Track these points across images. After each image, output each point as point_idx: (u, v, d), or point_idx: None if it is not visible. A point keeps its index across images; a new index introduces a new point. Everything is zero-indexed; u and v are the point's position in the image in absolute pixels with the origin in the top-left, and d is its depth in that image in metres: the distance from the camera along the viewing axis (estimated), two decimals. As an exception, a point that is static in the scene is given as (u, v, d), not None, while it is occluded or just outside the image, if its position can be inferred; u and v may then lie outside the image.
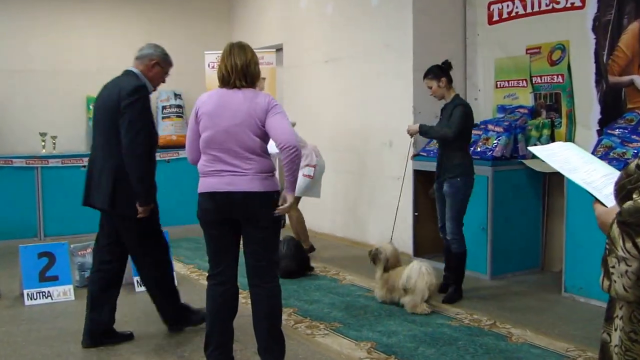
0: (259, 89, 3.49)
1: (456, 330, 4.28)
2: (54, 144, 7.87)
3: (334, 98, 7.41)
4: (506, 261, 5.58)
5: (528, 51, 5.89)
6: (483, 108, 6.37)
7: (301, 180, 6.01)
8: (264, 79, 8.13)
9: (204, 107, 3.38)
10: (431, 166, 5.33)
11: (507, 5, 6.04)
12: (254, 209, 3.33)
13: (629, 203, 1.15)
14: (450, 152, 4.90)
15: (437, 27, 6.37)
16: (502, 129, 5.67)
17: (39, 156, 7.48)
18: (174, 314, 4.29)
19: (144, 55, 4.01)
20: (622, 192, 1.22)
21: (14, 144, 7.93)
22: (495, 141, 5.59)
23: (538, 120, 5.76)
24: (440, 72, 4.90)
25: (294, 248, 5.82)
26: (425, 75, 5.00)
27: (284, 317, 4.58)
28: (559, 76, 5.64)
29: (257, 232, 3.39)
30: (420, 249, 6.18)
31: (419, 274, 4.61)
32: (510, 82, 6.11)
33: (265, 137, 3.35)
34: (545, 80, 5.77)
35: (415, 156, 6.15)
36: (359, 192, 7.04)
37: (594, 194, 1.39)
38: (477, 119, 6.25)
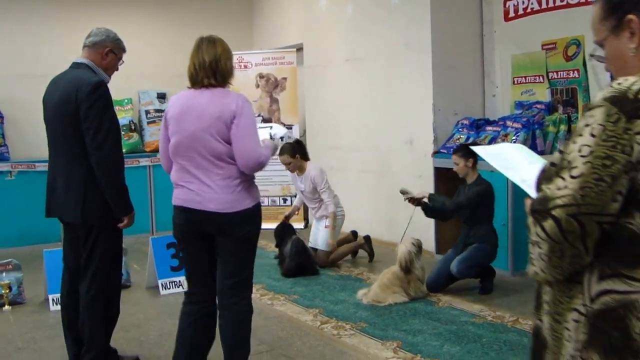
0: (231, 88, 3.14)
1: (480, 328, 4.26)
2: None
3: (355, 97, 7.38)
4: (527, 257, 5.53)
5: (544, 47, 5.86)
6: (501, 105, 6.36)
7: (325, 232, 6.06)
8: (284, 78, 8.27)
9: (171, 110, 3.08)
10: (451, 163, 5.31)
11: (523, 2, 6.01)
12: (227, 227, 3.02)
13: (538, 194, 1.32)
14: (477, 224, 5.07)
15: (455, 25, 6.36)
16: (520, 125, 5.64)
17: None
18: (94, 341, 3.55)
19: (95, 42, 3.55)
20: (539, 186, 1.40)
21: (36, 148, 7.92)
22: (514, 137, 5.57)
23: (555, 116, 5.73)
24: (469, 153, 4.96)
25: (298, 248, 5.81)
26: (455, 152, 5.13)
27: (309, 317, 4.62)
28: (575, 71, 5.61)
29: (231, 245, 3.08)
30: (442, 246, 6.16)
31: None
32: (527, 78, 6.09)
33: None
34: (562, 76, 5.74)
35: (436, 154, 6.16)
36: (381, 191, 7.03)
37: (527, 191, 1.52)
38: (495, 115, 6.27)
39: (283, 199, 8.23)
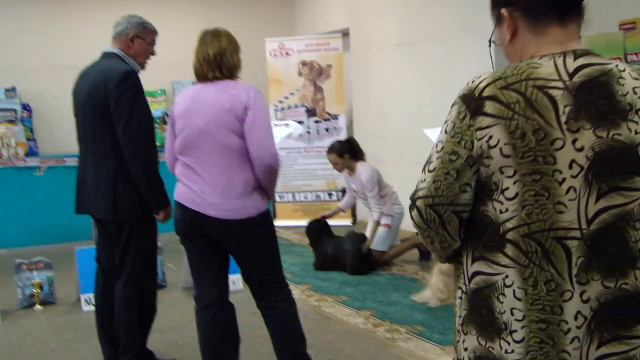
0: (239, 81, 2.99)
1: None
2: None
3: (406, 84, 6.96)
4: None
5: (621, 27, 5.36)
6: None
7: (380, 231, 5.61)
8: (329, 66, 7.86)
9: (177, 107, 2.93)
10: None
11: (597, -22, 5.52)
12: (228, 235, 2.87)
13: None
14: None
15: (521, 4, 5.90)
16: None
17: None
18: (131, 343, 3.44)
19: (119, 32, 3.39)
20: None
21: (65, 142, 7.75)
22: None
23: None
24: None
25: (357, 242, 5.45)
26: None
27: (360, 320, 4.27)
28: (657, 52, 5.11)
29: (244, 252, 2.93)
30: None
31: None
32: (602, 61, 5.61)
33: None
34: (643, 58, 5.23)
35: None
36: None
37: None
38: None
39: (328, 193, 7.82)
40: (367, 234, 5.61)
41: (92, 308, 4.73)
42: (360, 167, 5.65)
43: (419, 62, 6.78)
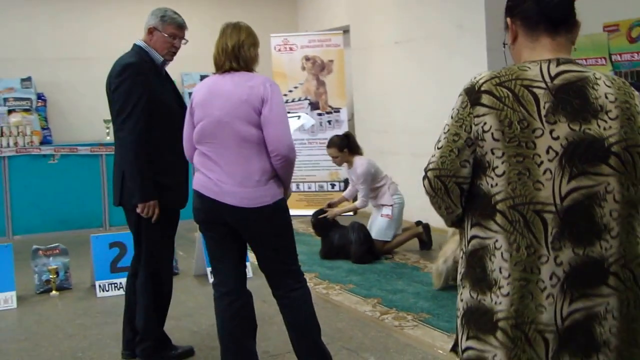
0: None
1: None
2: (118, 131, 7.78)
3: (405, 80, 7.09)
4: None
5: (605, 29, 5.53)
6: None
7: (382, 222, 5.76)
8: (330, 61, 7.97)
9: (196, 97, 2.98)
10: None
11: (582, -18, 5.65)
12: (245, 223, 2.91)
13: None
14: None
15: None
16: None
17: (103, 143, 7.38)
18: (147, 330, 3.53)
19: (145, 24, 3.48)
20: None
21: (78, 131, 7.87)
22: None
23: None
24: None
25: (362, 233, 5.61)
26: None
27: (367, 307, 4.39)
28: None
29: (260, 241, 2.98)
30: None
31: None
32: (588, 60, 5.73)
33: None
34: (626, 58, 5.41)
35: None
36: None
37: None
38: None
39: (331, 184, 7.97)
40: (343, 208, 5.90)
41: (106, 294, 4.89)
42: (357, 160, 5.81)
43: (417, 59, 6.91)
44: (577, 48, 5.71)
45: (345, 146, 5.83)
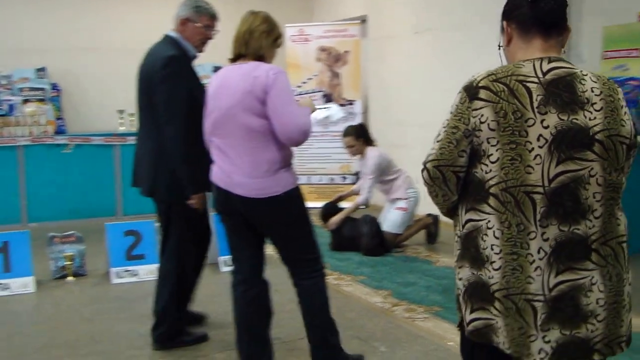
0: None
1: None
2: (132, 121, 7.78)
3: (423, 72, 7.05)
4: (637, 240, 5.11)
5: (641, 17, 5.45)
6: None
7: (396, 215, 5.77)
8: (346, 52, 7.97)
9: (210, 88, 2.97)
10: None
11: (617, -32, 5.57)
12: (255, 214, 2.93)
13: None
14: None
15: (538, -7, 5.95)
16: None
17: (117, 134, 7.44)
18: (168, 314, 3.61)
19: (175, 15, 3.46)
20: None
21: (92, 121, 7.93)
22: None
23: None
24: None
25: (373, 226, 5.64)
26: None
27: (378, 299, 4.43)
28: (676, 44, 5.19)
29: (272, 231, 3.00)
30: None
31: None
32: (620, 52, 5.65)
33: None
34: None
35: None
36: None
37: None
38: None
39: (342, 176, 8.01)
40: (343, 213, 5.76)
41: (121, 281, 4.96)
42: (369, 151, 5.81)
43: (437, 50, 6.82)
44: (611, 39, 5.67)
45: (361, 135, 5.84)
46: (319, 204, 6.38)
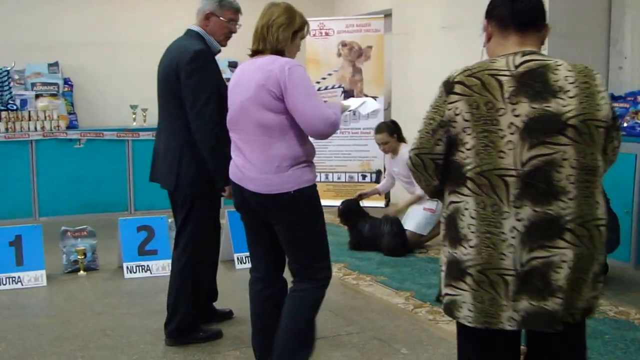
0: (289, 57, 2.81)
1: (601, 323, 3.76)
2: (145, 116, 7.74)
3: (449, 67, 6.64)
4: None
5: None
6: (630, 78, 5.60)
7: (422, 215, 5.59)
8: (369, 47, 7.77)
9: (230, 83, 2.91)
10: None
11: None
12: (266, 211, 2.81)
13: None
14: None
15: (577, -16, 5.62)
16: (654, 102, 5.04)
17: (130, 129, 7.36)
18: (181, 308, 3.53)
19: (198, 9, 3.43)
20: None
21: (104, 116, 7.85)
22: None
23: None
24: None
25: (395, 225, 5.45)
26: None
27: (400, 300, 4.28)
28: None
29: (280, 228, 2.84)
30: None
31: None
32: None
33: (287, 111, 2.69)
34: None
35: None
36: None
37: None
38: (623, 90, 5.54)
39: (362, 175, 7.82)
40: (402, 202, 5.67)
41: (133, 276, 4.85)
42: (403, 148, 5.63)
43: (464, 45, 6.55)
44: None
45: (394, 132, 5.67)
46: (337, 202, 6.20)
